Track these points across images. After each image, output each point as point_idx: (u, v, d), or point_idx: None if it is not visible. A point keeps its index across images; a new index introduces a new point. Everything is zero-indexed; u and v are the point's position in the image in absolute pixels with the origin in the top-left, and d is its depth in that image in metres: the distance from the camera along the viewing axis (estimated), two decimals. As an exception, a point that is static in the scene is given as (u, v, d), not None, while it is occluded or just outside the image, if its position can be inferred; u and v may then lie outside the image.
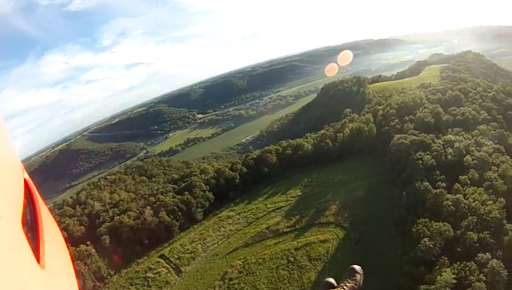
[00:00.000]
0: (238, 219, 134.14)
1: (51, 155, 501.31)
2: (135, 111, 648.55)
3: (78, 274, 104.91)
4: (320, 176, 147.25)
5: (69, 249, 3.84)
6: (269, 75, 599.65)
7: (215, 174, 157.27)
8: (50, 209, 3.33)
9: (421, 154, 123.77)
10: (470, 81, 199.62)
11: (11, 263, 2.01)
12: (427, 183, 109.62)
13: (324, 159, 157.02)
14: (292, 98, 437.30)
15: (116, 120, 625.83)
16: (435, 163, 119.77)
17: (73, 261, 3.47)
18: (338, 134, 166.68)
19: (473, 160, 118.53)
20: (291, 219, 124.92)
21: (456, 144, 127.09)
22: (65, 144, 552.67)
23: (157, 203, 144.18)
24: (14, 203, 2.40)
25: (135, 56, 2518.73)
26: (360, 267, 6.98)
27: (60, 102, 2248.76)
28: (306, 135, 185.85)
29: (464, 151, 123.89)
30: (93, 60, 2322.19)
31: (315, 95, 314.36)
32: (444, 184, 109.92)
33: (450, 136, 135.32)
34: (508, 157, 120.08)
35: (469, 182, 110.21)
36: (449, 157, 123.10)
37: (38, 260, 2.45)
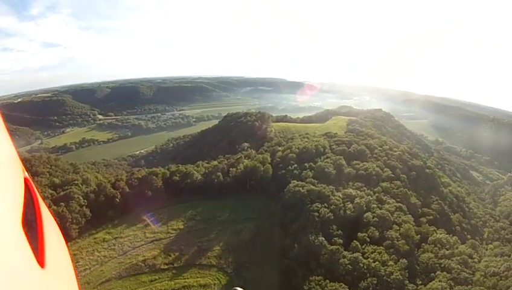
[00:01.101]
0: (114, 245, 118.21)
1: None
2: (39, 95, 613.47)
3: None
4: (206, 210, 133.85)
5: (69, 249, 3.68)
6: (177, 91, 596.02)
7: (96, 188, 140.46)
8: (50, 210, 3.34)
9: (317, 206, 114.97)
10: (376, 137, 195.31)
11: (11, 263, 2.02)
12: (323, 238, 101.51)
13: (213, 192, 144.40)
14: (194, 120, 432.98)
15: (19, 100, 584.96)
16: (333, 217, 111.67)
17: (73, 261, 3.43)
18: (231, 168, 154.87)
19: (373, 217, 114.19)
20: (170, 255, 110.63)
21: (357, 200, 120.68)
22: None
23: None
24: (14, 203, 2.41)
25: (56, 36, 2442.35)
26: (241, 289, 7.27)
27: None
28: (198, 162, 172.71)
29: (365, 208, 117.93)
30: (16, 27, 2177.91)
31: (216, 122, 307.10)
32: (341, 240, 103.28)
33: (351, 190, 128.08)
34: (410, 216, 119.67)
35: (368, 240, 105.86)
36: (348, 212, 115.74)
37: (38, 260, 2.46)
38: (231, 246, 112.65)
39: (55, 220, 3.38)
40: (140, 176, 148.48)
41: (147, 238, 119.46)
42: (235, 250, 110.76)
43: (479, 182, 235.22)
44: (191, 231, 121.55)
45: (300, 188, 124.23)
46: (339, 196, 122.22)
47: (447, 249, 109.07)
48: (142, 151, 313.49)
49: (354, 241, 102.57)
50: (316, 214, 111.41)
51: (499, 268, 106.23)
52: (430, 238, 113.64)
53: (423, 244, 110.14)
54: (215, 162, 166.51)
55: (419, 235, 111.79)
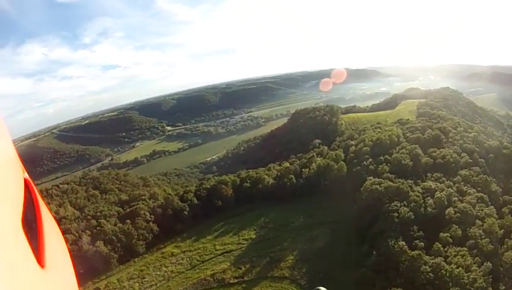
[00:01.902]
0: (182, 259, 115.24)
1: (17, 149, 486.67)
2: (106, 115, 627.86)
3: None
4: (279, 216, 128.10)
5: (69, 249, 3.77)
6: (242, 94, 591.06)
7: (164, 202, 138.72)
8: (50, 210, 3.38)
9: (396, 205, 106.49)
10: (449, 119, 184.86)
11: (11, 263, 2.01)
12: (403, 243, 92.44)
13: (285, 196, 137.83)
14: (263, 120, 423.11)
15: (87, 122, 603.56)
16: (413, 216, 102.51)
17: (73, 261, 3.55)
18: (304, 169, 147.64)
19: (455, 213, 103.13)
20: (241, 268, 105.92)
21: (437, 194, 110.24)
22: (33, 139, 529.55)
23: (97, 228, 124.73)
24: (14, 203, 2.44)
25: (113, 58, 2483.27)
26: (325, 288, 7.30)
27: (34, 94, 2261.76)
28: (269, 165, 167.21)
29: (446, 202, 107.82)
30: (72, 56, 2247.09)
31: (286, 120, 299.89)
32: (422, 243, 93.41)
33: (430, 183, 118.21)
34: (492, 208, 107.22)
35: (451, 240, 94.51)
36: (429, 209, 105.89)
37: (38, 260, 2.47)
38: (305, 254, 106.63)
39: (55, 219, 3.38)
40: (209, 186, 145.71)
41: (217, 250, 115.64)
42: (309, 259, 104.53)
43: None
44: (263, 240, 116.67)
45: (378, 186, 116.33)
46: (418, 191, 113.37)
47: None
48: (213, 157, 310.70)
49: (436, 243, 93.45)
50: (395, 214, 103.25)
51: None
52: None
53: (506, 240, 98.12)
54: (287, 164, 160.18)
55: (502, 230, 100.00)
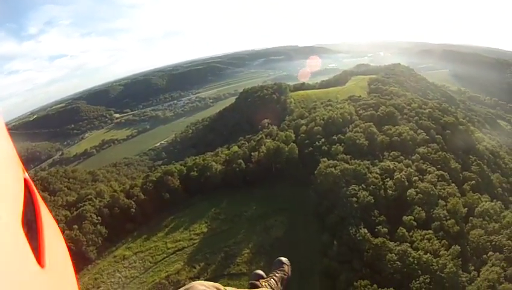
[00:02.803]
0: (135, 261, 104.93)
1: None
2: (54, 107, 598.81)
3: None
4: (230, 205, 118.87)
5: (69, 249, 3.50)
6: (189, 75, 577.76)
7: (110, 200, 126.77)
8: (50, 210, 3.30)
9: (355, 189, 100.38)
10: (402, 95, 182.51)
11: (11, 263, 2.00)
12: (365, 231, 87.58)
13: (236, 182, 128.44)
14: (211, 101, 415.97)
15: (35, 116, 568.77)
16: (373, 200, 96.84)
17: (73, 261, 3.40)
18: (253, 153, 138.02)
19: (417, 194, 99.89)
20: (195, 267, 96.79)
21: (396, 174, 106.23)
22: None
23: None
24: (14, 203, 2.40)
25: (60, 48, 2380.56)
26: (286, 259, 7.23)
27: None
28: (217, 150, 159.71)
29: (407, 183, 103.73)
30: (18, 49, 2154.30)
31: (234, 99, 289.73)
32: (385, 229, 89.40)
33: (388, 163, 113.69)
34: (454, 186, 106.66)
35: (415, 223, 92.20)
36: (389, 191, 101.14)
37: (38, 260, 2.42)
38: (262, 247, 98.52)
39: (55, 219, 3.26)
40: (155, 179, 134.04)
41: (169, 249, 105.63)
42: (266, 251, 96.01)
43: (508, 132, 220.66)
44: (216, 234, 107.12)
45: (333, 169, 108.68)
46: (376, 172, 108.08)
47: (495, 222, 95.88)
48: (162, 142, 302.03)
49: (400, 228, 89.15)
50: (354, 199, 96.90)
51: None
52: (477, 209, 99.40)
53: (471, 218, 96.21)
54: (235, 148, 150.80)
55: (466, 209, 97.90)
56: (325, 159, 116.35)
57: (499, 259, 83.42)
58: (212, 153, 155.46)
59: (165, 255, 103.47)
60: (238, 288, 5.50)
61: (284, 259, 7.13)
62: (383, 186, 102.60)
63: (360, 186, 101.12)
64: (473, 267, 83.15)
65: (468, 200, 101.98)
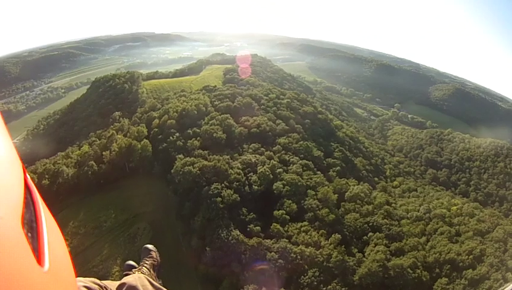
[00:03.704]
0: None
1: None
2: None
3: None
4: (88, 215, 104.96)
5: (69, 249, 3.38)
6: (44, 62, 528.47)
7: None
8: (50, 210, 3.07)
9: (217, 188, 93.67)
10: (259, 85, 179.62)
11: (11, 263, 2.01)
12: (237, 232, 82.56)
13: (91, 186, 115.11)
14: (63, 91, 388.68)
15: None
16: (239, 198, 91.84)
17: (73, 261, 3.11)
18: (104, 152, 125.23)
19: (284, 186, 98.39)
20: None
21: (260, 168, 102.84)
22: None
23: None
24: (14, 203, 2.34)
25: None
26: (152, 245, 7.64)
27: None
28: (68, 150, 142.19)
29: (271, 176, 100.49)
30: None
31: (85, 89, 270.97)
32: (258, 227, 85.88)
33: (250, 156, 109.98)
34: (320, 175, 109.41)
35: (288, 217, 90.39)
36: (255, 187, 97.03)
37: (38, 260, 2.38)
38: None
39: (56, 222, 3.04)
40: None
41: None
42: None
43: (364, 118, 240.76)
44: (80, 253, 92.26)
45: (191, 167, 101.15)
46: (238, 167, 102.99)
47: (367, 204, 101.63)
48: (16, 140, 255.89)
49: (274, 224, 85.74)
50: (219, 199, 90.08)
51: (419, 211, 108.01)
52: (347, 194, 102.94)
53: (343, 203, 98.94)
54: (86, 147, 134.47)
55: (336, 195, 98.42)
56: (181, 156, 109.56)
57: (380, 238, 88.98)
58: (63, 154, 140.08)
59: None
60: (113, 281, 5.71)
61: (150, 246, 7.51)
62: (247, 182, 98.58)
63: (223, 184, 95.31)
64: (356, 250, 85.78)
65: (336, 186, 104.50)
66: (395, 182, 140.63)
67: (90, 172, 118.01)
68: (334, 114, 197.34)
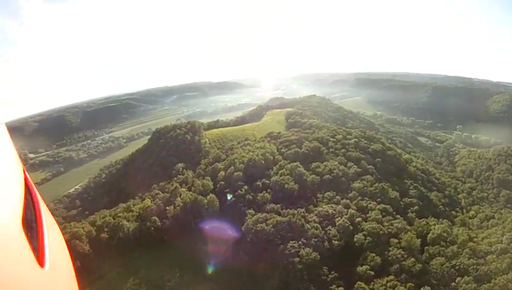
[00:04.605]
0: None
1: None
2: None
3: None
4: (150, 272, 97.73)
5: (69, 249, 3.69)
6: (103, 113, 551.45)
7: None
8: (50, 209, 3.40)
9: (294, 246, 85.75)
10: (323, 127, 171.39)
11: (11, 263, 2.05)
12: None
13: (152, 243, 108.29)
14: (124, 141, 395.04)
15: None
16: (319, 256, 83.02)
17: (73, 261, 3.49)
18: (168, 207, 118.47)
19: (365, 238, 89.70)
20: None
21: (338, 219, 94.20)
22: None
23: None
24: (14, 203, 2.44)
25: None
26: None
27: None
28: (129, 202, 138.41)
29: (351, 227, 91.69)
30: None
31: (147, 139, 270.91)
32: (341, 288, 78.06)
33: (326, 207, 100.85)
34: (400, 218, 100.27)
35: (372, 273, 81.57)
36: (335, 242, 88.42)
37: (38, 260, 2.48)
38: None
39: (56, 220, 3.42)
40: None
41: None
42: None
43: (430, 147, 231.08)
44: None
45: (264, 225, 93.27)
46: (315, 221, 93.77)
47: (451, 243, 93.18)
48: (77, 187, 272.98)
49: (358, 283, 77.21)
50: (297, 259, 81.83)
51: (502, 242, 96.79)
52: (429, 236, 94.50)
53: (426, 247, 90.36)
54: (148, 201, 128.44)
55: (419, 239, 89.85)
56: (251, 211, 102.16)
57: (469, 282, 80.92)
58: (124, 206, 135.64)
59: None
60: None
61: None
62: (326, 237, 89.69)
63: (300, 242, 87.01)
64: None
65: (417, 228, 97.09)
66: (471, 212, 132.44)
67: (152, 228, 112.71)
68: (400, 147, 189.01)
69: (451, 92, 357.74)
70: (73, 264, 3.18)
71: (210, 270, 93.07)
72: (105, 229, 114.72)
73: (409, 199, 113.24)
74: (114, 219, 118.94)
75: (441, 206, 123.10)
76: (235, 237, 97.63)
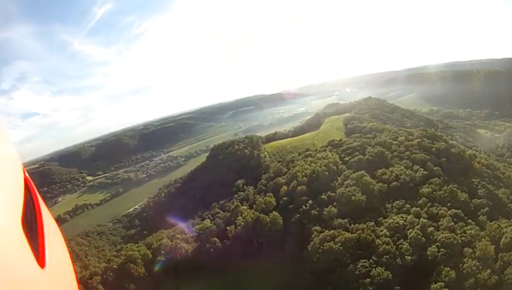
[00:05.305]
0: None
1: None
2: (27, 168, 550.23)
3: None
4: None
5: (69, 249, 3.59)
6: (160, 133, 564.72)
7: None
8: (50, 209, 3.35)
9: (365, 265, 79.54)
10: (384, 130, 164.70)
11: (11, 263, 2.05)
12: None
13: (212, 265, 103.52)
14: (183, 159, 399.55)
15: None
16: (391, 275, 76.09)
17: (73, 261, 3.47)
18: (229, 227, 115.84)
19: (439, 250, 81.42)
20: None
21: (410, 232, 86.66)
22: None
23: None
24: (14, 203, 2.43)
25: (31, 105, 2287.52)
26: None
27: None
28: (188, 223, 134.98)
29: (423, 239, 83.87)
30: None
31: (205, 157, 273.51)
32: None
33: (397, 218, 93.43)
34: (472, 223, 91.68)
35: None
36: (407, 257, 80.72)
37: (38, 260, 2.46)
38: None
39: (55, 219, 3.36)
40: (116, 266, 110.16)
41: None
42: None
43: (489, 139, 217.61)
44: None
45: (332, 243, 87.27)
46: (385, 235, 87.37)
47: None
48: (136, 207, 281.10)
49: None
50: (368, 280, 75.81)
51: None
52: (502, 241, 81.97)
53: (500, 254, 78.57)
54: (208, 222, 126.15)
55: (493, 246, 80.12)
56: (318, 228, 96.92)
57: None
58: (183, 226, 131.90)
59: None
60: None
61: None
62: (397, 252, 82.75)
63: (371, 260, 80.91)
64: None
65: (489, 233, 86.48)
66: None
67: (212, 249, 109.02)
68: (461, 143, 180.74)
69: (504, 76, 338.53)
70: (73, 264, 3.19)
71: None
72: (162, 252, 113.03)
73: (478, 200, 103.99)
74: (171, 241, 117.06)
75: (510, 205, 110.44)
76: (300, 257, 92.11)
